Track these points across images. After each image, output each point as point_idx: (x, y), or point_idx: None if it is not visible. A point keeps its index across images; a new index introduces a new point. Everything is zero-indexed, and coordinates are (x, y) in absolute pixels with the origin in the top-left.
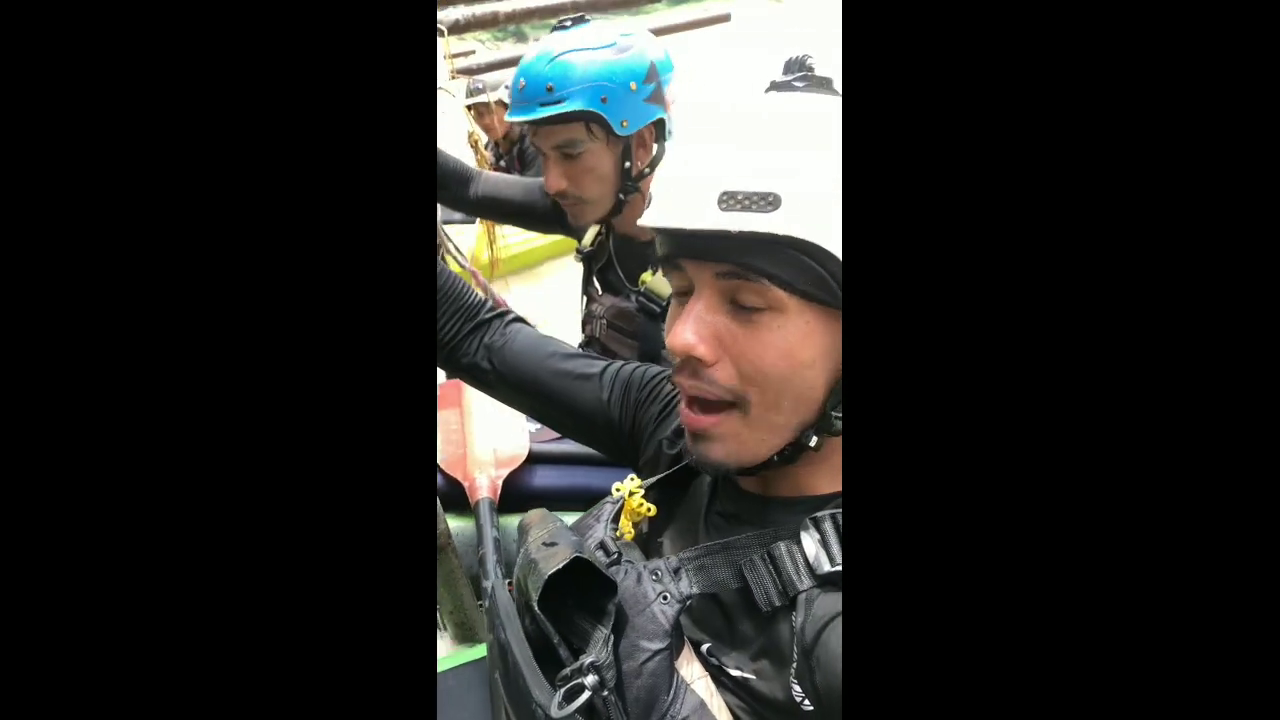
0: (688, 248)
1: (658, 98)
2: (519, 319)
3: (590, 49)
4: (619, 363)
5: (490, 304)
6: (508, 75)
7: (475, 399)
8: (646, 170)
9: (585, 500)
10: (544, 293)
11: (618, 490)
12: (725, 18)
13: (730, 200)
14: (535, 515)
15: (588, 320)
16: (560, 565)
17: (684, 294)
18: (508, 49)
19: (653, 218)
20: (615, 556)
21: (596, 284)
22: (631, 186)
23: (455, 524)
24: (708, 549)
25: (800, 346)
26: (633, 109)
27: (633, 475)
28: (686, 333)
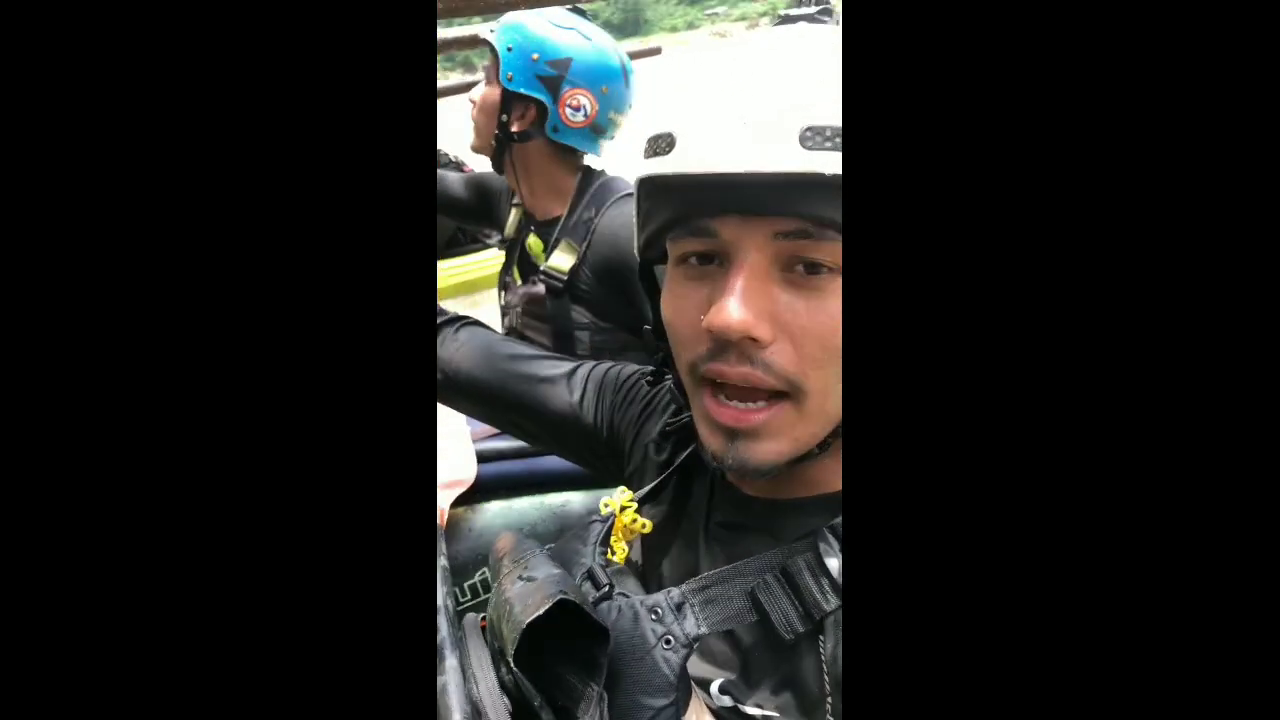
0: (736, 201)
1: (551, 85)
2: (472, 321)
3: (552, 21)
4: (590, 363)
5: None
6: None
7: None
8: (516, 137)
9: (534, 485)
10: (483, 317)
11: (606, 506)
12: (656, 51)
13: (817, 137)
14: (506, 541)
15: (505, 311)
16: (541, 612)
17: (704, 259)
18: (454, 79)
19: (700, 161)
20: (606, 590)
21: (515, 274)
22: (503, 138)
23: None
24: (714, 577)
25: None
26: (522, 71)
27: (622, 488)
28: (738, 309)
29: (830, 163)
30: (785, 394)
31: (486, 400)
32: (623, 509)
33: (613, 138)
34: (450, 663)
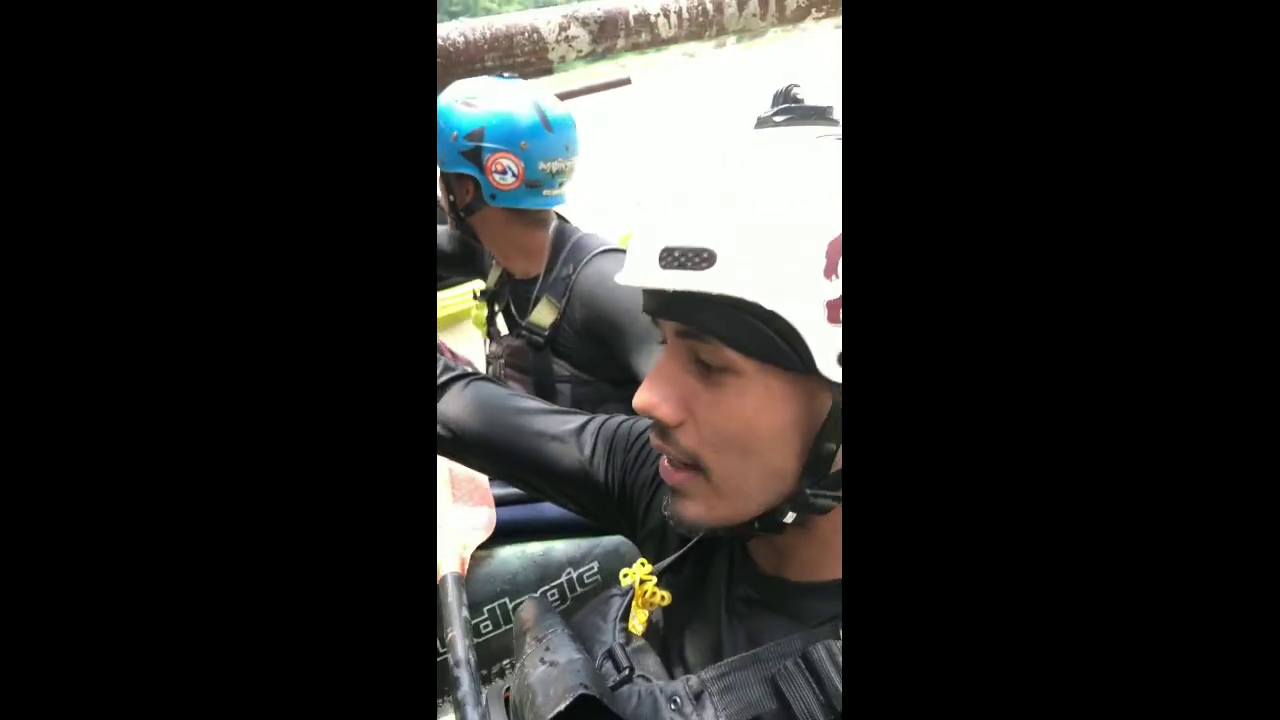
0: (649, 303)
1: (474, 158)
2: (480, 377)
3: (464, 98)
4: (600, 418)
5: (444, 365)
6: None
7: (441, 463)
8: (464, 212)
9: (515, 533)
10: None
11: (626, 578)
12: (626, 81)
13: (669, 257)
14: (530, 610)
15: (490, 361)
16: (562, 707)
17: (663, 342)
18: None
19: (619, 273)
20: (627, 672)
21: (500, 326)
22: (459, 215)
23: None
24: (734, 664)
25: (761, 413)
26: (447, 153)
27: (641, 560)
28: (649, 391)
29: (676, 280)
30: (694, 466)
31: (495, 458)
32: (642, 581)
33: (562, 184)
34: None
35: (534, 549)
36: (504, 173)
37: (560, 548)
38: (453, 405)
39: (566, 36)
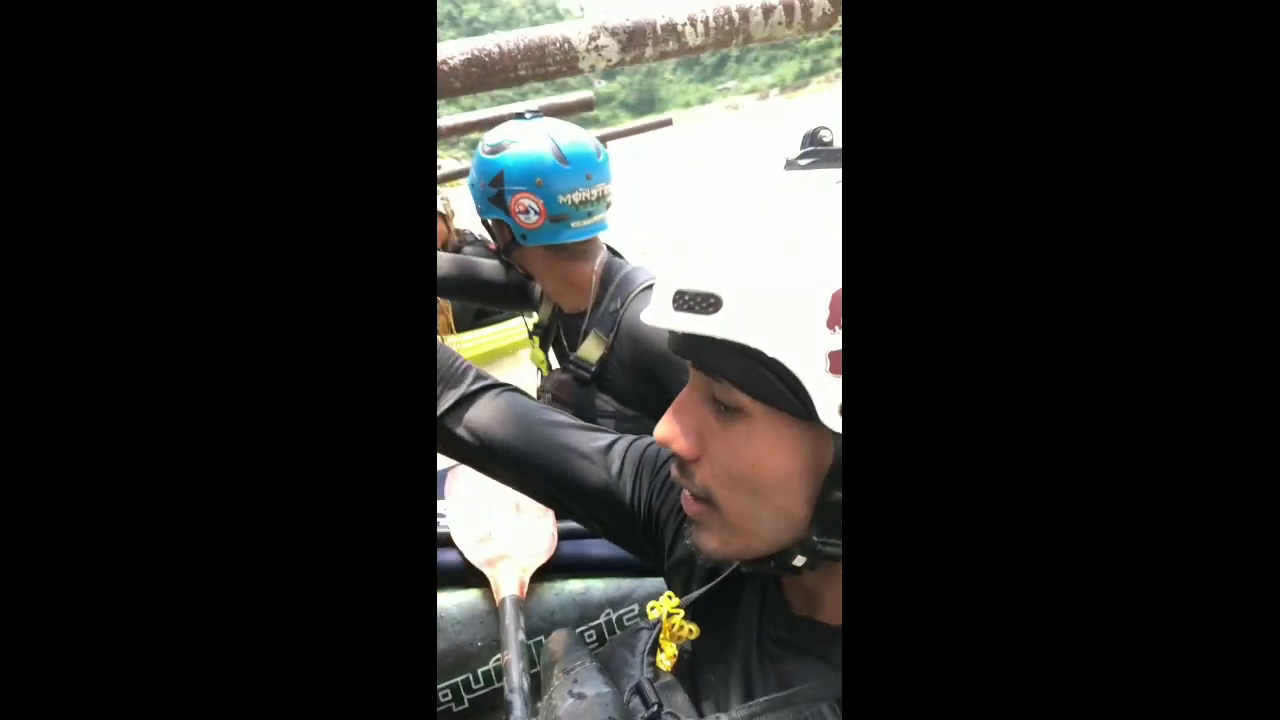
0: (671, 341)
1: (499, 202)
2: (511, 388)
3: (485, 146)
4: (629, 438)
5: (476, 373)
6: (448, 189)
7: (499, 487)
8: (505, 253)
9: (604, 569)
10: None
11: (654, 611)
12: (667, 121)
13: (680, 300)
14: (559, 641)
15: (539, 395)
16: None
17: None
18: (448, 164)
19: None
20: (655, 709)
21: (551, 359)
22: (503, 258)
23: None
24: (766, 705)
25: (768, 456)
26: (479, 201)
27: (669, 593)
28: (669, 423)
29: (686, 323)
30: (708, 500)
31: (520, 468)
32: (669, 615)
33: (592, 213)
34: None
35: (574, 587)
36: (526, 212)
37: (600, 587)
38: (482, 413)
39: (596, 46)
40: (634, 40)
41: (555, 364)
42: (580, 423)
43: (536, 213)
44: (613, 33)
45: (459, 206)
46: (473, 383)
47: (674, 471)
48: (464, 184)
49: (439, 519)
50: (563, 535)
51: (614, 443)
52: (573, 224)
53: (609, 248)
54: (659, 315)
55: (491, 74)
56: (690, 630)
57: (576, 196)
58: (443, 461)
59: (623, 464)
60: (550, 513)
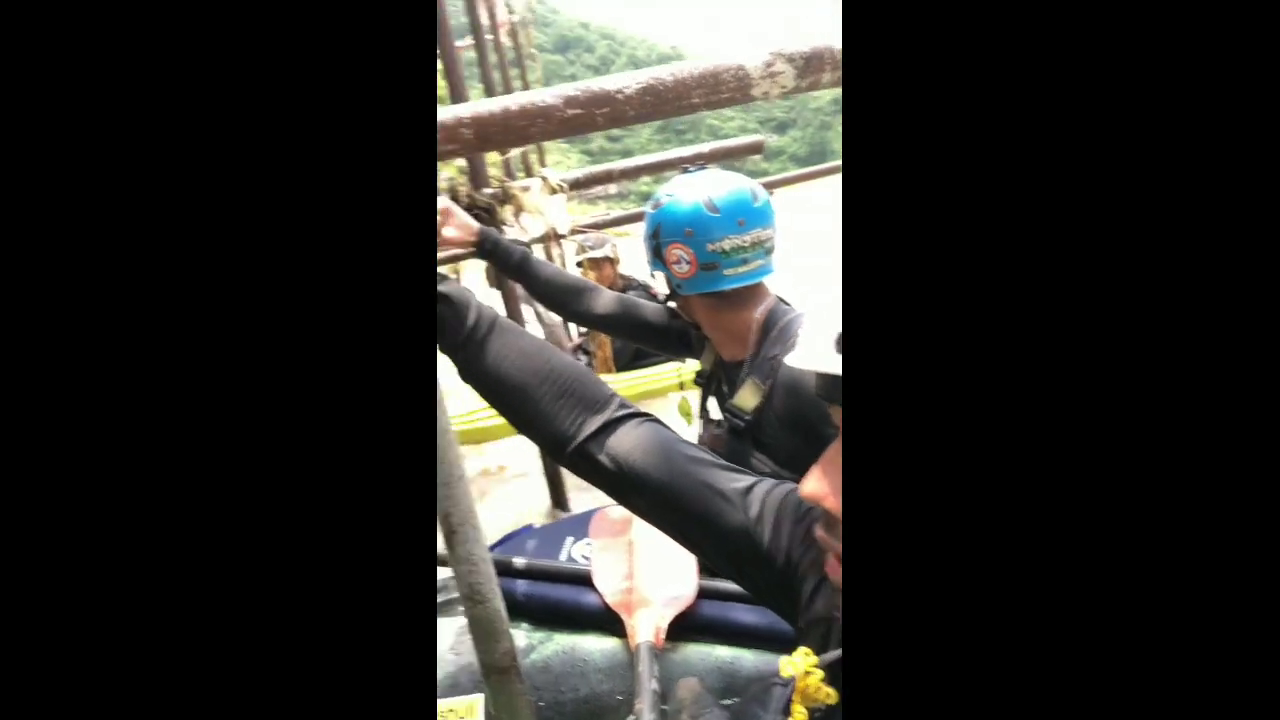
0: (821, 388)
1: (659, 255)
2: (654, 419)
3: (656, 197)
4: (770, 481)
5: (620, 401)
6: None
7: (643, 530)
8: (667, 304)
9: (753, 638)
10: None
11: (789, 668)
12: (760, 145)
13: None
14: (689, 689)
15: (700, 443)
16: None
17: None
18: (616, 214)
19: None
20: None
21: (712, 409)
22: (668, 307)
23: (574, 640)
24: None
25: None
26: (648, 252)
27: (806, 650)
28: (818, 480)
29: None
30: None
31: (657, 499)
32: (807, 673)
33: (746, 260)
34: None
35: (722, 654)
36: (679, 262)
37: (750, 660)
38: (624, 441)
39: (772, 73)
40: (810, 66)
41: (715, 413)
42: (721, 461)
43: (688, 262)
44: (789, 59)
45: (624, 253)
46: (616, 410)
47: (819, 533)
48: (633, 232)
49: (584, 561)
50: (707, 594)
51: (754, 485)
52: (725, 271)
53: (779, 297)
54: (814, 358)
55: (665, 102)
56: (828, 694)
57: (727, 244)
58: (590, 501)
59: (762, 509)
60: (693, 560)
